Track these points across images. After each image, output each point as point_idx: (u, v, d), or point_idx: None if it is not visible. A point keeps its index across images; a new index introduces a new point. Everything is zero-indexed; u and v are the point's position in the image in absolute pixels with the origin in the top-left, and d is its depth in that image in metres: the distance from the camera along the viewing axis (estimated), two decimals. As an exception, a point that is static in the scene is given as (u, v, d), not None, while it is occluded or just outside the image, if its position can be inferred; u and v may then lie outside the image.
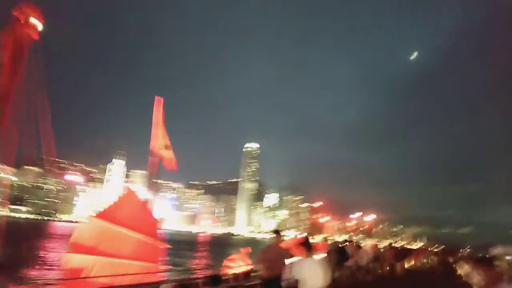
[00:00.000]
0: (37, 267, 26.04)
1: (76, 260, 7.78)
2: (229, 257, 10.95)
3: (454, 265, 27.22)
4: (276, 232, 6.21)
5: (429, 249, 37.45)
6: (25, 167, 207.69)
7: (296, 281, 3.77)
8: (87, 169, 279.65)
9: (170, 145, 10.58)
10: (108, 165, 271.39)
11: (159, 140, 10.64)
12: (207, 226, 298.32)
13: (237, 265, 10.17)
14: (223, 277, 6.93)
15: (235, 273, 8.34)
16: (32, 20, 5.81)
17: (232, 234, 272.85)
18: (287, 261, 4.27)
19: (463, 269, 23.88)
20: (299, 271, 3.87)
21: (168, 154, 10.51)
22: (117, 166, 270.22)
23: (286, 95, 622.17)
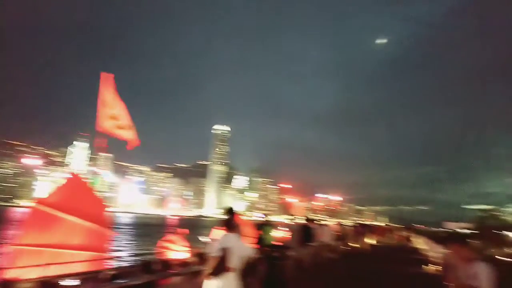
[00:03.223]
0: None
1: (23, 252, 7.14)
2: (165, 238, 10.23)
3: (412, 241, 28.53)
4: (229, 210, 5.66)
5: (390, 226, 39.18)
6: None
7: (226, 249, 4.30)
8: (48, 152, 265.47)
9: (131, 123, 9.68)
10: (69, 148, 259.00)
11: (113, 119, 9.72)
12: (177, 209, 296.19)
13: (174, 246, 9.56)
14: (158, 264, 6.34)
15: (172, 259, 7.77)
16: None
17: (203, 216, 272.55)
18: (215, 236, 4.59)
19: (421, 244, 25.03)
20: (225, 243, 4.38)
21: (128, 134, 9.63)
22: (79, 149, 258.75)
23: (257, 79, 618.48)
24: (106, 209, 9.00)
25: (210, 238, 8.75)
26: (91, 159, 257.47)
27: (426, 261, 15.13)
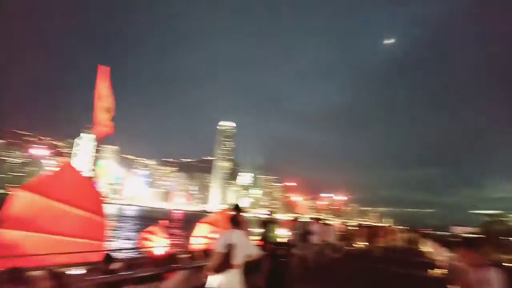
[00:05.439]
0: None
1: (7, 235, 6.87)
2: (147, 229, 9.99)
3: (418, 244, 28.31)
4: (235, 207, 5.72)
5: (395, 228, 38.92)
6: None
7: (231, 245, 4.40)
8: (55, 143, 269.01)
9: (111, 110, 9.74)
10: (76, 139, 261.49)
11: (108, 112, 9.80)
12: (181, 204, 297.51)
13: (155, 238, 9.37)
14: (164, 257, 6.32)
15: (158, 255, 7.64)
16: None
17: (207, 212, 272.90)
18: (218, 233, 4.66)
19: (427, 247, 24.83)
20: (230, 239, 4.49)
21: (106, 119, 9.70)
22: (85, 141, 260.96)
23: (261, 77, 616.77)
24: (102, 199, 8.91)
25: (210, 233, 8.64)
26: (97, 151, 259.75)
27: (432, 265, 15.01)
